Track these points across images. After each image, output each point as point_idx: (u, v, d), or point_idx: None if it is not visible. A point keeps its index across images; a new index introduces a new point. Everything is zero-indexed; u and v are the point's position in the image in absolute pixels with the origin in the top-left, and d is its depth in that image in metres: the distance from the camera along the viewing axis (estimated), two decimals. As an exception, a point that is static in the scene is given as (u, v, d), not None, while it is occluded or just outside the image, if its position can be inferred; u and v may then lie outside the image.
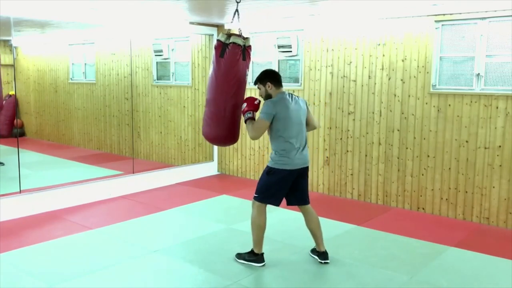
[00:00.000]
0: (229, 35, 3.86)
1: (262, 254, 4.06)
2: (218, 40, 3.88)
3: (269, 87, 3.92)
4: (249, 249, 4.13)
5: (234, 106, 3.96)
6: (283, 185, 3.94)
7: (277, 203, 4.02)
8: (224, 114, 3.95)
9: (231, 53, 3.83)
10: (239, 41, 3.85)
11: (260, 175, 7.22)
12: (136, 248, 4.45)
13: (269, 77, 3.93)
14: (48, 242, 4.59)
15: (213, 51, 3.92)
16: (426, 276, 3.92)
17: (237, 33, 3.97)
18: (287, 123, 3.81)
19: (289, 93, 3.94)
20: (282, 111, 3.80)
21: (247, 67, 4.01)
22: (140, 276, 3.87)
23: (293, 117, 3.85)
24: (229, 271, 3.94)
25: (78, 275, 3.84)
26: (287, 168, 3.87)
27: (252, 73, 6.98)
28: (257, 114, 3.93)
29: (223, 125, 3.98)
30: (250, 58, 4.00)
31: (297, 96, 4.02)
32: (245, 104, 3.92)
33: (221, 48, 3.84)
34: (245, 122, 3.90)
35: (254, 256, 4.04)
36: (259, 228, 4.00)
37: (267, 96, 3.95)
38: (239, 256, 4.13)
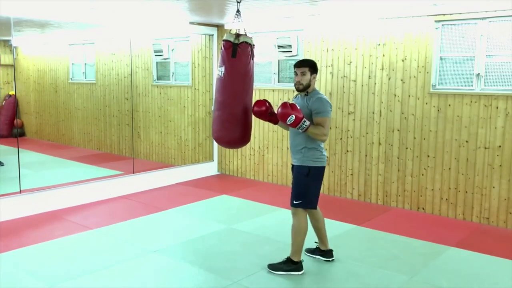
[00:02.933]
0: (237, 35, 3.80)
1: (302, 261, 3.90)
2: (227, 41, 3.76)
3: (314, 78, 3.85)
4: (282, 259, 3.97)
5: (248, 106, 3.89)
6: (320, 184, 3.89)
7: (316, 205, 3.93)
8: (240, 115, 3.83)
9: (243, 52, 3.76)
10: (249, 40, 3.82)
11: (260, 175, 7.23)
12: (136, 248, 4.45)
13: (316, 71, 3.88)
14: (48, 242, 4.59)
15: (222, 52, 3.81)
16: (426, 276, 3.92)
17: (242, 33, 3.96)
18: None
19: None
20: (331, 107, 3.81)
21: (253, 65, 3.98)
22: (140, 276, 3.87)
23: None
24: (229, 271, 3.94)
25: (78, 275, 3.84)
26: (324, 165, 3.85)
27: (252, 73, 6.97)
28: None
29: (240, 126, 3.85)
30: (254, 57, 3.98)
31: None
32: (293, 116, 3.53)
33: (232, 48, 3.74)
34: (304, 131, 3.61)
35: (294, 265, 3.87)
36: (303, 234, 3.84)
37: (306, 86, 3.80)
38: (274, 267, 3.89)
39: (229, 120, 3.84)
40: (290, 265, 3.87)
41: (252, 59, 3.89)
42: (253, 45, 3.91)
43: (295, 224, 3.85)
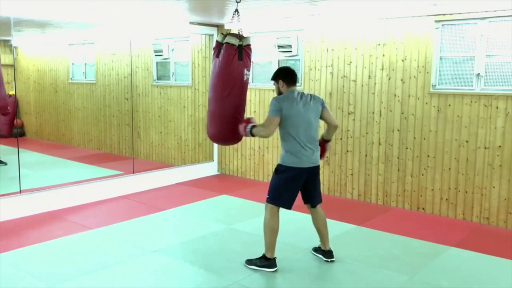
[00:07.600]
0: (225, 35, 3.91)
1: (275, 259, 3.96)
2: (216, 41, 3.98)
3: (281, 85, 3.92)
4: (259, 254, 4.02)
5: (231, 106, 3.96)
6: (293, 185, 3.88)
7: (288, 204, 3.91)
8: (220, 113, 4.00)
9: (225, 53, 3.88)
10: (233, 41, 3.87)
11: (260, 175, 7.25)
12: (136, 248, 4.45)
13: (282, 75, 3.94)
14: (48, 242, 4.59)
15: (212, 51, 4.00)
16: (426, 276, 3.92)
17: (236, 33, 3.98)
18: (293, 120, 3.79)
19: (301, 92, 3.92)
20: (288, 107, 3.77)
21: (246, 66, 3.97)
22: (140, 276, 3.87)
23: (300, 115, 3.81)
24: (229, 271, 3.94)
25: (78, 275, 3.84)
26: (295, 166, 3.84)
27: (252, 73, 6.97)
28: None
29: (219, 124, 4.03)
30: (249, 57, 3.98)
31: (313, 95, 3.97)
32: (242, 125, 3.95)
33: (218, 48, 3.92)
34: (252, 135, 3.87)
35: (266, 261, 3.94)
36: (271, 231, 3.91)
37: (279, 94, 3.96)
38: (250, 262, 4.00)
39: (210, 117, 4.12)
40: (263, 261, 3.96)
41: (240, 60, 3.90)
42: (244, 45, 3.92)
43: (264, 219, 3.96)
